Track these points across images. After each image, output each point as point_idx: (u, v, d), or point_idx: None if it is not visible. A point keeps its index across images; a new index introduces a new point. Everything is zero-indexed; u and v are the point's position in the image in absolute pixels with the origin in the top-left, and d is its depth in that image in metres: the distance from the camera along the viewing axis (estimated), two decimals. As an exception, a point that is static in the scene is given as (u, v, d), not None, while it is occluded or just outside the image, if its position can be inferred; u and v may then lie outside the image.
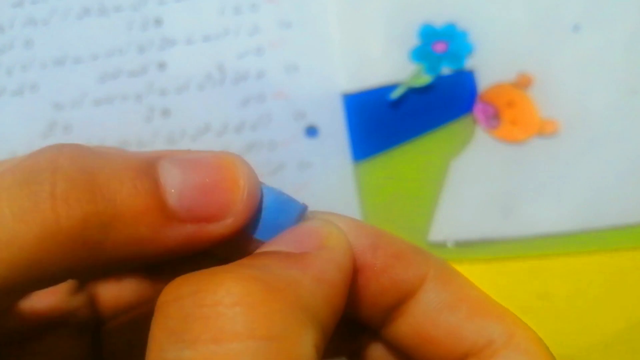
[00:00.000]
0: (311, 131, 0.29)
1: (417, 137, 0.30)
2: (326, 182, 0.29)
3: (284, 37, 0.30)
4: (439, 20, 0.30)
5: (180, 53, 0.30)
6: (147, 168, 0.14)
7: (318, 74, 0.30)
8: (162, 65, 0.30)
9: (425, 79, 0.30)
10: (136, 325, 0.19)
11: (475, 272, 0.28)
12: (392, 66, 0.30)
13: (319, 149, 0.29)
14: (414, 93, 0.30)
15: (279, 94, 0.30)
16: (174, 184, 0.13)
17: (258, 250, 0.15)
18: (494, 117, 0.30)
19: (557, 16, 0.30)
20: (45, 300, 0.17)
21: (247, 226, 0.15)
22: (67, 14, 0.31)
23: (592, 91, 0.29)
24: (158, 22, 0.30)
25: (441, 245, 0.28)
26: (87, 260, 0.13)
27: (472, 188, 0.29)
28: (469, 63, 0.30)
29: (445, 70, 0.30)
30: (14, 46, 0.31)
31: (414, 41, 0.30)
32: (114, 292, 0.18)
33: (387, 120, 0.30)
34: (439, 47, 0.30)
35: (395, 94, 0.29)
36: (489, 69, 0.30)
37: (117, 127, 0.30)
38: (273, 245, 0.14)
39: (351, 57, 0.30)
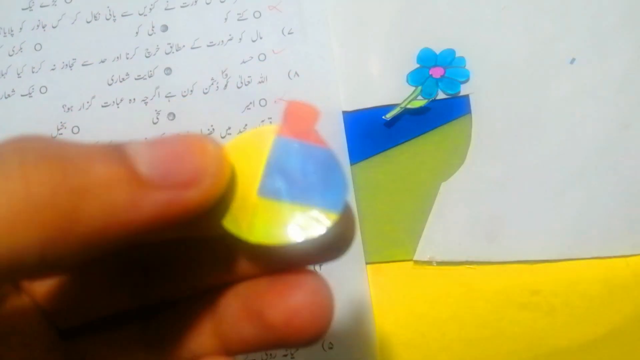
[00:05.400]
0: None
1: (410, 158, 0.30)
2: None
3: (285, 44, 0.31)
4: (438, 45, 0.31)
5: (186, 58, 0.31)
6: (114, 146, 0.13)
7: (317, 80, 0.30)
8: (168, 70, 0.31)
9: (420, 102, 0.30)
10: (104, 339, 0.17)
11: (471, 270, 0.29)
12: (389, 87, 0.30)
13: None
14: (409, 114, 0.30)
15: (279, 99, 0.30)
16: (143, 155, 0.13)
17: None
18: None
19: (555, 48, 0.30)
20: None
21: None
22: (76, 18, 0.31)
23: (586, 123, 0.30)
24: (164, 28, 0.31)
25: (427, 263, 0.29)
26: (62, 235, 0.12)
27: (460, 210, 0.29)
28: (465, 89, 0.30)
29: (441, 94, 0.30)
30: (23, 49, 0.31)
31: (412, 64, 0.31)
32: (71, 302, 0.17)
33: (381, 139, 0.30)
34: (436, 72, 0.30)
35: (390, 115, 0.30)
36: (484, 95, 0.30)
37: (124, 129, 0.30)
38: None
39: (350, 77, 0.30)
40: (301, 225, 0.15)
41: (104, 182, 0.13)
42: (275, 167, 0.15)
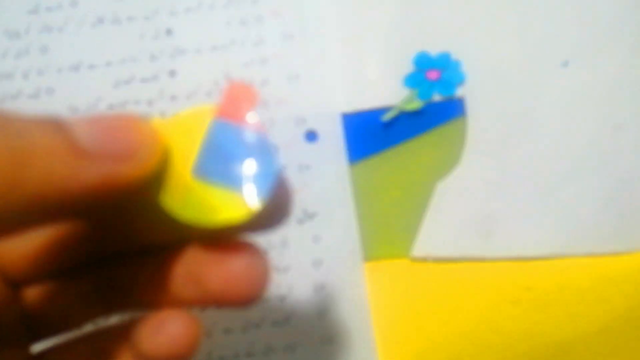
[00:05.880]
0: (310, 136, 0.30)
1: (407, 158, 0.30)
2: (324, 183, 0.30)
3: (286, 48, 0.31)
4: (434, 48, 0.31)
5: (190, 62, 0.31)
6: (53, 117, 0.14)
7: (317, 83, 0.31)
8: (172, 73, 0.31)
9: (416, 104, 0.30)
10: (57, 289, 0.18)
11: (466, 267, 0.29)
12: (386, 90, 0.31)
13: (318, 152, 0.30)
14: (405, 116, 0.31)
15: (281, 101, 0.30)
16: (81, 128, 0.14)
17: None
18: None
19: (548, 51, 0.31)
20: None
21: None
22: (82, 22, 0.32)
23: (578, 124, 0.30)
24: (169, 32, 0.31)
25: (423, 259, 0.29)
26: (6, 199, 0.13)
27: (455, 209, 0.30)
28: (460, 91, 0.31)
29: (437, 96, 0.31)
30: (30, 52, 0.31)
31: (409, 67, 0.31)
32: (23, 259, 0.18)
33: (379, 140, 0.31)
34: (432, 75, 0.31)
35: (386, 117, 0.30)
36: (479, 97, 0.31)
37: None
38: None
39: (349, 80, 0.31)
40: (227, 209, 0.15)
41: (44, 149, 0.13)
42: (210, 149, 0.15)
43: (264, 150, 0.15)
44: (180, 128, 0.16)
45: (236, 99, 0.16)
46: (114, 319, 0.19)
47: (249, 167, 0.15)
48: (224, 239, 0.17)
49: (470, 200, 0.30)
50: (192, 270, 0.17)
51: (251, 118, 0.15)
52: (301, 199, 0.30)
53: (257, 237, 0.17)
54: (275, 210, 0.17)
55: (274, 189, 0.15)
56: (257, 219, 0.15)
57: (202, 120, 0.16)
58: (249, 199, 0.15)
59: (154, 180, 0.15)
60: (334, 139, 0.30)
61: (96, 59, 0.31)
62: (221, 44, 0.31)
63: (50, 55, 0.31)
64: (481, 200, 0.30)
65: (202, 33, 0.31)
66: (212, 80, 0.31)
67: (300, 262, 0.29)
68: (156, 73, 0.31)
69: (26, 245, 0.17)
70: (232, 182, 0.15)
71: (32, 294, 0.18)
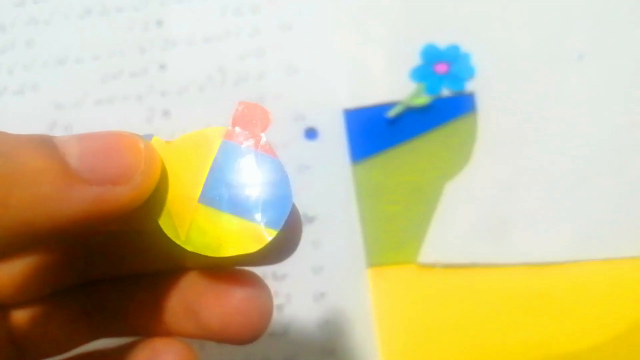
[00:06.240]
0: (310, 133, 0.30)
1: (413, 157, 0.30)
2: (324, 184, 0.29)
3: (284, 39, 0.30)
4: (443, 40, 0.31)
5: (181, 54, 0.31)
6: (44, 138, 0.13)
7: (318, 76, 0.30)
8: (162, 66, 0.31)
9: (424, 100, 0.30)
10: (45, 311, 0.18)
11: (477, 273, 0.28)
12: (392, 84, 0.30)
13: (318, 151, 0.29)
14: (412, 112, 0.30)
15: (278, 96, 0.30)
16: (72, 149, 0.13)
17: None
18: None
19: (562, 44, 0.30)
20: None
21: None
22: (68, 14, 0.31)
23: (594, 121, 0.29)
24: (159, 23, 0.31)
25: (431, 266, 0.29)
26: None
27: (465, 211, 0.29)
28: (471, 86, 0.30)
29: (445, 91, 0.30)
30: (15, 46, 0.31)
31: (415, 60, 0.30)
32: (13, 279, 0.17)
33: (384, 138, 0.30)
34: (441, 68, 0.30)
35: (392, 113, 0.30)
36: (490, 92, 0.30)
37: (117, 127, 0.29)
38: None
39: (352, 73, 0.30)
40: (237, 239, 0.14)
41: (32, 172, 0.13)
42: (219, 174, 0.15)
43: (278, 177, 0.15)
44: (187, 150, 0.15)
45: (247, 120, 0.15)
46: (106, 344, 0.19)
47: (262, 194, 0.15)
48: (224, 268, 0.16)
49: (481, 202, 0.29)
50: (189, 299, 0.17)
51: (264, 141, 0.15)
52: (300, 201, 0.29)
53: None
54: (284, 242, 0.16)
55: (287, 219, 0.15)
56: (266, 250, 0.15)
57: (211, 141, 0.15)
58: (262, 229, 0.15)
59: (153, 204, 0.15)
60: (336, 137, 0.30)
61: (83, 52, 0.31)
62: (214, 35, 0.31)
63: (36, 49, 0.31)
64: (492, 202, 0.29)
65: (195, 24, 0.31)
66: (205, 73, 0.30)
67: (299, 269, 0.29)
68: (146, 66, 0.31)
69: (14, 267, 0.17)
70: (243, 210, 0.15)
71: (21, 316, 0.18)
